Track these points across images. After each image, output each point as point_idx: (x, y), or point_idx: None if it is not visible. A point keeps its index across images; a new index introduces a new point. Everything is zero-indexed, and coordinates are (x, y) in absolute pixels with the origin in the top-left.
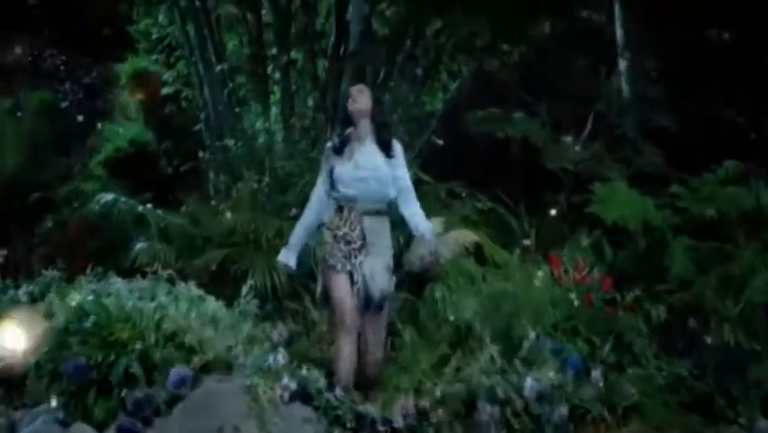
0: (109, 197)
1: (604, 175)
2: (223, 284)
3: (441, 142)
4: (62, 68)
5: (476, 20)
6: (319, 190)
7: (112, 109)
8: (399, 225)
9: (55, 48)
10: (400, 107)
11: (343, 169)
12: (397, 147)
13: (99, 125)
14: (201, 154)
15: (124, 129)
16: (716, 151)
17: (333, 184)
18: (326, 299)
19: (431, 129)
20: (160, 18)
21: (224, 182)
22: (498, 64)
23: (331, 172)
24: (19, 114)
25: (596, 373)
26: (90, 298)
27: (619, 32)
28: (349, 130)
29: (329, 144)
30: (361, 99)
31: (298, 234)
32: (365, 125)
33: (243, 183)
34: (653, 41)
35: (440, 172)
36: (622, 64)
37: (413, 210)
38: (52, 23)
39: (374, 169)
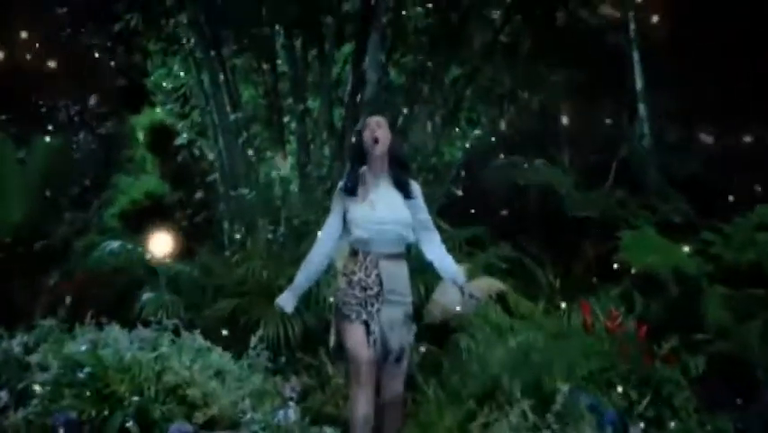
0: (115, 244)
1: (630, 222)
2: (233, 335)
3: (460, 192)
4: (76, 118)
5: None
6: (327, 231)
7: (127, 161)
8: (419, 273)
9: (70, 98)
10: (419, 156)
11: (358, 210)
12: (416, 187)
13: (114, 177)
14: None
15: (140, 181)
16: (743, 194)
17: (346, 226)
18: (340, 351)
19: (450, 179)
20: (175, 68)
21: (239, 232)
22: (518, 111)
23: (344, 214)
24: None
25: (635, 430)
26: (85, 348)
27: (639, 78)
28: (363, 168)
29: (341, 184)
30: (379, 131)
31: (302, 277)
32: (381, 162)
33: (258, 233)
34: (673, 84)
35: (458, 219)
36: (642, 109)
37: (440, 253)
38: (68, 73)
39: (392, 209)
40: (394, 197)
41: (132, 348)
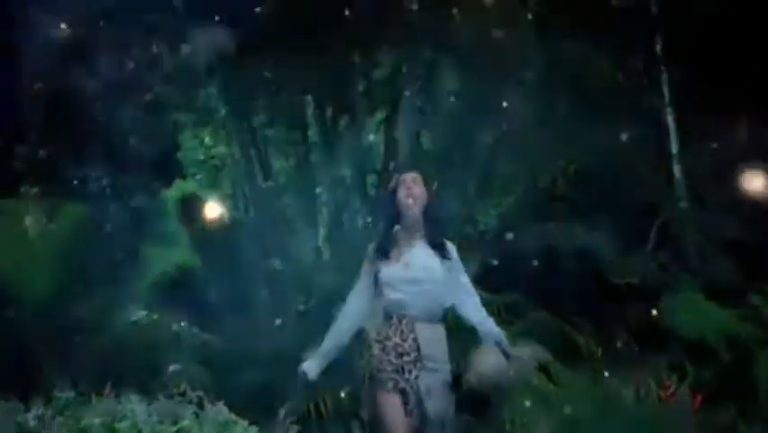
0: (141, 314)
1: (673, 287)
2: (264, 408)
3: (496, 262)
4: (107, 190)
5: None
6: (357, 294)
7: (158, 234)
8: (456, 339)
9: (101, 170)
10: (452, 225)
11: (391, 270)
12: (452, 248)
13: (145, 250)
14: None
15: (171, 254)
16: None
17: (378, 289)
18: (375, 424)
19: (485, 247)
20: (206, 139)
21: (269, 302)
22: (553, 175)
23: (376, 277)
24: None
25: None
26: (100, 421)
27: (674, 138)
28: (396, 228)
29: (373, 245)
30: (415, 188)
31: (329, 343)
32: (416, 221)
33: (289, 303)
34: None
35: (495, 286)
36: (678, 170)
37: (481, 316)
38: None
39: (428, 269)
40: (430, 257)
41: (151, 421)
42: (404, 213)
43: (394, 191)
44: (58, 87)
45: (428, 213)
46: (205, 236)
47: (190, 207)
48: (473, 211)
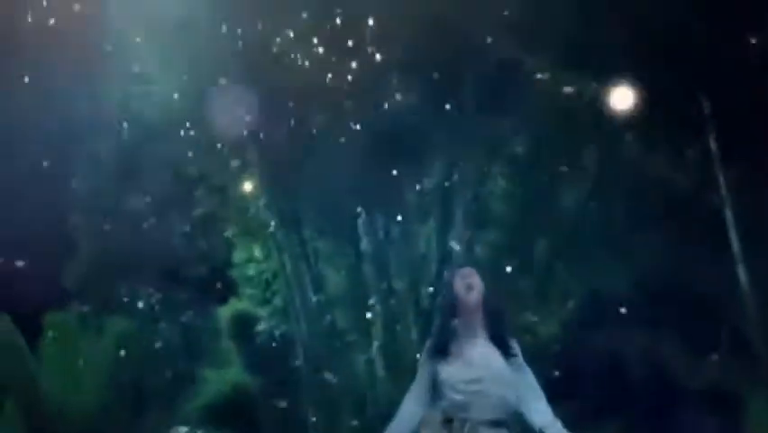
0: (183, 430)
1: (748, 390)
2: None
3: (557, 373)
4: (157, 307)
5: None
6: (414, 395)
7: (211, 351)
8: None
9: (151, 286)
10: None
11: (451, 370)
12: (515, 343)
13: (198, 369)
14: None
15: (224, 372)
16: None
17: (437, 390)
18: None
19: (547, 358)
20: (256, 253)
21: (322, 417)
22: (613, 279)
23: (434, 377)
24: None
25: None
26: None
27: (734, 237)
28: (454, 322)
29: (430, 343)
30: (473, 282)
31: None
32: (476, 316)
33: (342, 418)
34: None
35: (557, 395)
36: (742, 271)
37: (549, 420)
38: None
39: (491, 367)
40: (492, 354)
41: None
42: (462, 305)
43: (450, 284)
44: (108, 204)
45: (488, 304)
46: (258, 353)
47: (243, 324)
48: (532, 320)
